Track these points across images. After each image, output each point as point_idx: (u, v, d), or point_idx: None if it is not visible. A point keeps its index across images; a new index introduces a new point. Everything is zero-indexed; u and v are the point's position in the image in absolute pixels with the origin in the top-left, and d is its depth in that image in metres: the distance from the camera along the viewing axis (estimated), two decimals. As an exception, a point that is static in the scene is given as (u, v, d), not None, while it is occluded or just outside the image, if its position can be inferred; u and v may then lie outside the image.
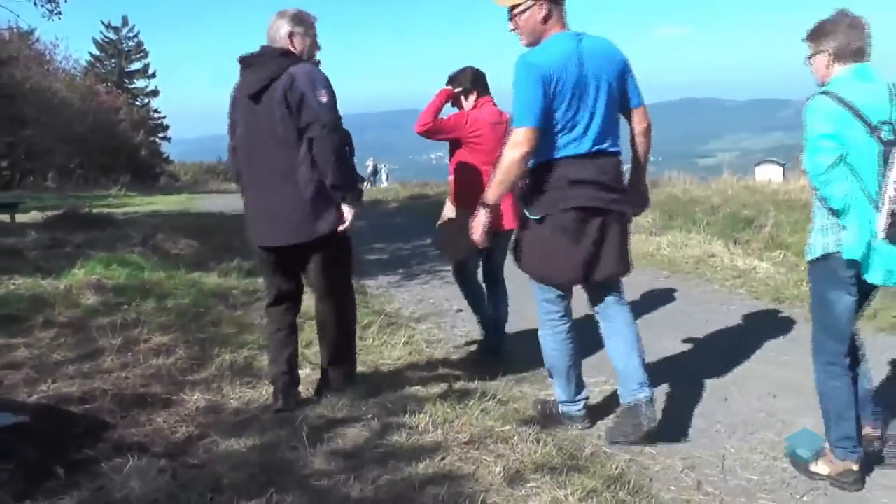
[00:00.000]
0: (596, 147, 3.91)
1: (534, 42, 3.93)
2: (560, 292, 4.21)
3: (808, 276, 3.85)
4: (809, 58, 3.58)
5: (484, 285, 5.69)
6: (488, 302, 5.66)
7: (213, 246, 10.35)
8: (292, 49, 4.21)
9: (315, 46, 4.36)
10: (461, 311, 6.08)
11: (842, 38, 3.44)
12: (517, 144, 3.79)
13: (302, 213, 4.14)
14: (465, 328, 6.27)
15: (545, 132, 3.82)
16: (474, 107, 5.41)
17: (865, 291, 3.62)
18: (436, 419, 4.14)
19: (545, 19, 3.88)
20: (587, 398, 4.43)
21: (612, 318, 4.28)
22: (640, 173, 4.32)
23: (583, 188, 3.90)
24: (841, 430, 3.62)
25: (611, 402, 4.70)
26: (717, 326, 6.48)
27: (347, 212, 4.20)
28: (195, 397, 4.56)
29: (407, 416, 4.21)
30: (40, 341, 5.58)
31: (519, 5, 3.88)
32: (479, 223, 4.02)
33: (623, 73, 4.01)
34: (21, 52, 32.26)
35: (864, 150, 3.31)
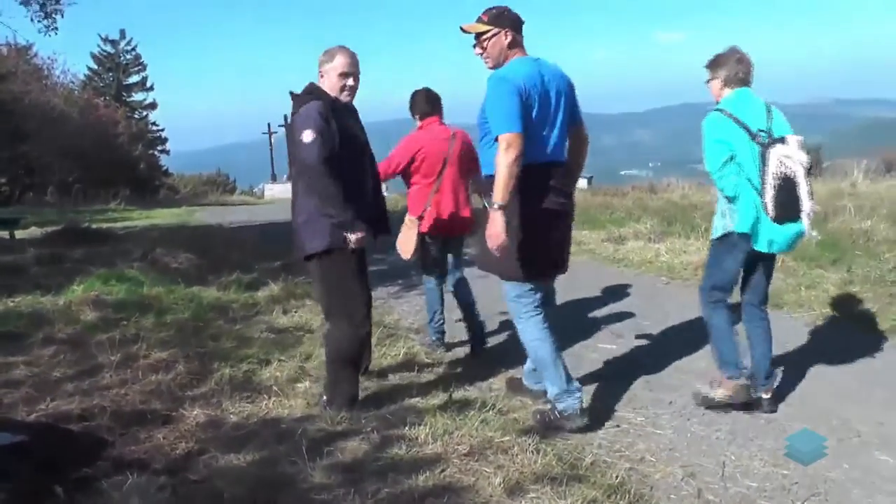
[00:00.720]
0: (554, 157, 4.35)
1: (498, 65, 4.36)
2: (531, 286, 4.46)
3: (710, 249, 4.87)
4: (708, 81, 4.72)
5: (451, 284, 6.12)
6: (459, 293, 6.07)
7: (212, 260, 10.34)
8: (313, 88, 4.51)
9: (337, 83, 4.50)
10: (460, 320, 6.07)
11: (731, 68, 4.58)
12: (507, 149, 4.04)
13: (297, 234, 4.54)
14: (465, 339, 6.27)
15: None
16: (420, 128, 5.88)
17: (756, 259, 4.69)
18: (435, 431, 4.14)
19: (510, 45, 4.35)
20: (581, 389, 4.52)
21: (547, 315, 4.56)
22: (574, 182, 4.72)
23: (550, 193, 4.33)
24: (727, 356, 4.70)
25: (615, 409, 4.72)
26: (717, 332, 6.47)
27: (352, 237, 4.38)
28: (195, 413, 4.55)
29: (407, 428, 4.21)
30: (39, 359, 5.57)
31: (487, 32, 4.34)
32: (497, 225, 4.12)
33: (572, 94, 4.47)
34: (19, 67, 32.32)
35: (747, 152, 4.39)
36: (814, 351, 5.89)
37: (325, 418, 4.37)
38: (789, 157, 4.30)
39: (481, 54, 4.41)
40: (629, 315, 7.21)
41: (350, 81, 4.51)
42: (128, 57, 51.97)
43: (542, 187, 4.29)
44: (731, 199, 4.52)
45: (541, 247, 4.34)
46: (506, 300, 4.55)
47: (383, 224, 4.81)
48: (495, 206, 4.10)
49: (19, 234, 13.88)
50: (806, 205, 4.34)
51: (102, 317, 6.63)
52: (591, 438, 4.32)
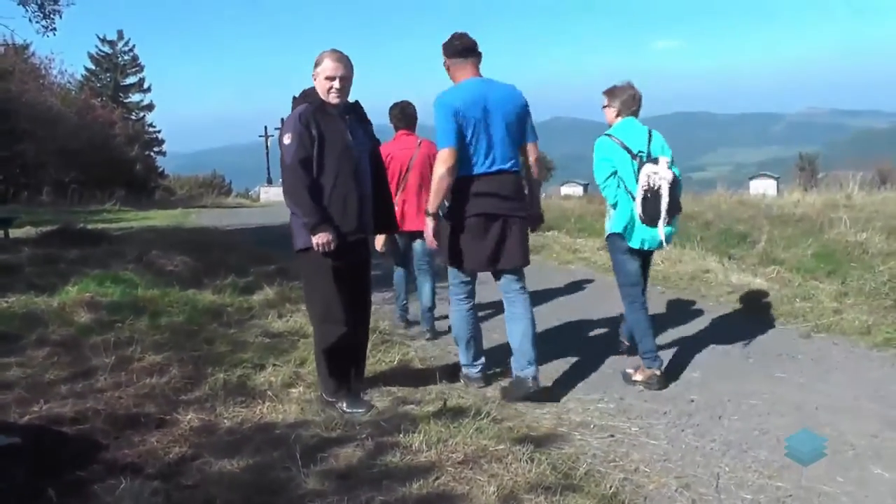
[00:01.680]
0: (497, 167, 5.04)
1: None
2: (466, 278, 5.32)
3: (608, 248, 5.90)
4: (604, 107, 5.70)
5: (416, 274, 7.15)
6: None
7: (207, 262, 10.31)
8: (308, 91, 4.77)
9: (324, 86, 4.70)
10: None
11: (626, 102, 5.57)
12: (441, 161, 4.96)
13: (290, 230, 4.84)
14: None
15: (461, 154, 4.95)
16: (393, 140, 6.87)
17: (642, 256, 5.66)
18: (430, 438, 4.13)
19: (457, 69, 5.14)
20: (483, 364, 5.49)
21: (514, 304, 5.25)
22: (535, 197, 5.50)
23: (485, 198, 5.02)
24: (645, 346, 5.50)
25: (610, 419, 4.72)
26: (712, 343, 6.48)
27: (318, 238, 4.57)
28: (189, 417, 4.54)
29: (401, 435, 4.20)
30: (33, 360, 5.55)
31: (445, 60, 5.20)
32: (428, 230, 5.13)
33: (522, 114, 5.19)
34: (16, 67, 32.26)
35: (627, 168, 5.37)
36: (808, 363, 5.89)
37: (320, 424, 4.36)
38: (657, 173, 5.25)
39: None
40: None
41: (336, 84, 4.66)
42: (125, 58, 51.97)
43: (475, 193, 5.02)
44: (613, 206, 5.53)
45: (470, 245, 5.08)
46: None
47: (383, 224, 5.17)
48: (427, 212, 5.08)
49: (14, 233, 13.84)
50: (664, 212, 5.27)
51: (97, 319, 6.61)
52: (585, 448, 4.32)
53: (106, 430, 4.31)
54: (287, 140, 4.60)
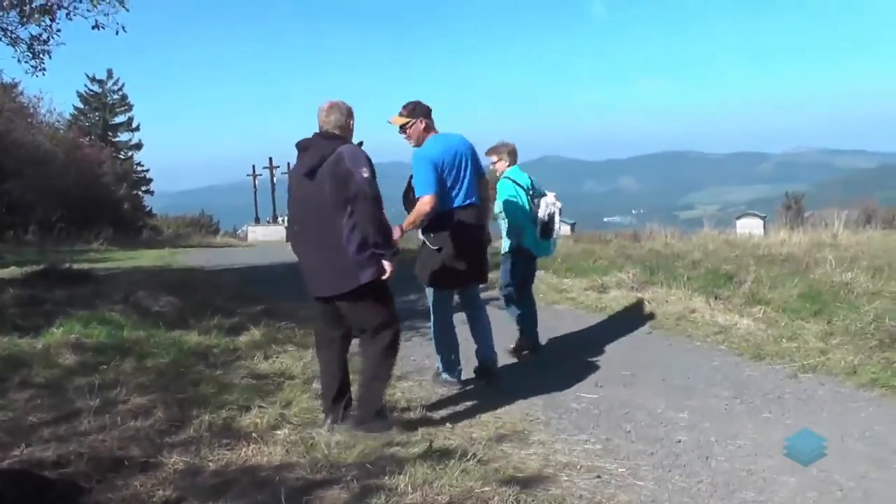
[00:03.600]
0: (467, 201, 6.18)
1: (418, 144, 6.12)
2: (446, 294, 6.39)
3: (501, 260, 7.54)
4: (494, 163, 7.53)
5: None
6: None
7: (193, 303, 10.27)
8: (339, 133, 5.14)
9: (352, 130, 5.29)
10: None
11: (511, 155, 7.50)
12: (425, 204, 5.93)
13: (346, 267, 4.98)
14: (446, 387, 6.26)
15: (441, 194, 5.96)
16: None
17: (529, 261, 7.59)
18: (415, 480, 4.11)
19: (425, 129, 6.15)
20: (461, 370, 6.48)
21: (476, 309, 6.53)
22: (487, 216, 6.86)
23: (463, 227, 6.12)
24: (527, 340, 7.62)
25: (597, 460, 4.71)
26: (699, 383, 6.49)
27: (387, 266, 5.02)
28: (173, 460, 4.49)
29: (386, 477, 4.18)
30: (15, 403, 5.50)
31: (407, 123, 6.13)
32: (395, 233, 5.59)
33: (475, 155, 6.36)
34: (4, 105, 32.24)
35: (525, 200, 7.31)
36: (794, 403, 5.90)
37: (305, 466, 4.34)
38: (553, 203, 7.30)
39: (406, 138, 6.17)
40: (611, 364, 7.22)
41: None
42: (114, 97, 52.02)
43: (457, 223, 6.09)
44: (515, 227, 7.33)
45: (453, 266, 6.11)
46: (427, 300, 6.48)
47: None
48: (402, 227, 5.89)
49: (-1, 273, 13.76)
50: (556, 231, 7.39)
51: (81, 361, 6.57)
52: (572, 489, 4.30)
53: (89, 474, 4.26)
54: (366, 173, 4.90)
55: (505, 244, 7.47)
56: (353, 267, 4.96)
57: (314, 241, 5.10)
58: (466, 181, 6.15)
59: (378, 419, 5.11)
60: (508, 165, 7.47)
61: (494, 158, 7.51)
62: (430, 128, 6.17)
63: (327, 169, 4.94)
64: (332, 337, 5.35)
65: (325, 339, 5.40)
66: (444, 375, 6.45)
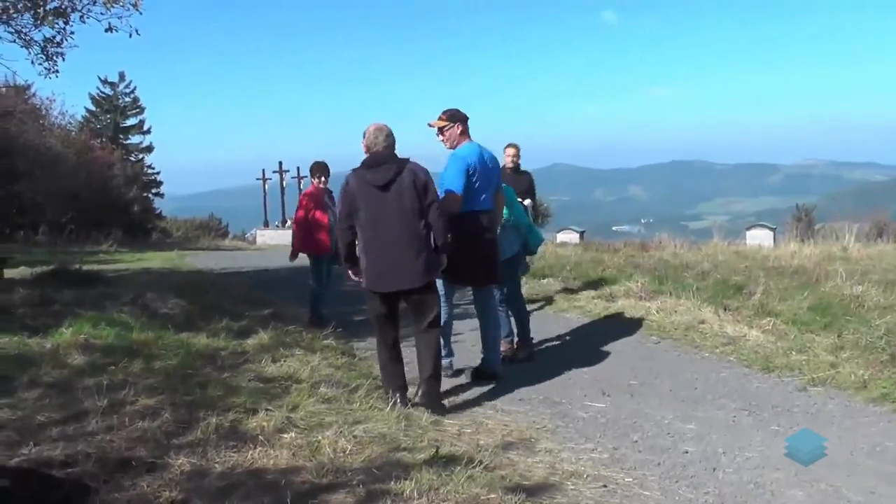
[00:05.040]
0: (487, 207, 6.78)
1: (453, 147, 6.78)
2: (451, 288, 6.93)
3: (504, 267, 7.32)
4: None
5: None
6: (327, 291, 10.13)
7: (202, 305, 10.28)
8: (392, 151, 6.04)
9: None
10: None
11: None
12: (454, 202, 6.47)
13: (427, 262, 5.99)
14: (454, 393, 6.26)
15: (466, 195, 6.53)
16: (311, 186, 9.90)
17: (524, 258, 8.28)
18: (421, 486, 4.09)
19: (461, 134, 6.81)
20: (451, 361, 7.06)
21: (485, 310, 7.06)
22: (498, 222, 7.15)
23: (482, 229, 6.70)
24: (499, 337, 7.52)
25: (604, 469, 4.69)
26: (707, 394, 6.47)
27: (444, 262, 6.21)
28: (180, 461, 4.48)
29: (392, 482, 4.16)
30: (24, 402, 5.51)
31: (445, 126, 6.80)
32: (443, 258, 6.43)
33: (499, 170, 7.11)
34: (17, 107, 32.37)
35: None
36: (803, 417, 5.87)
37: (311, 470, 4.33)
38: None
39: (442, 140, 6.83)
40: (618, 373, 7.20)
41: None
42: (126, 99, 52.15)
43: (473, 224, 6.61)
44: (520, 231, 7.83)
45: (472, 263, 6.62)
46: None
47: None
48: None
49: (8, 273, 13.79)
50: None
51: (90, 361, 6.57)
52: (578, 498, 4.29)
53: (96, 474, 4.26)
54: (434, 185, 6.04)
55: (510, 249, 7.59)
56: (432, 262, 6.03)
57: (398, 242, 5.90)
58: (490, 189, 6.79)
59: (442, 400, 6.16)
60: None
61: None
62: (465, 133, 6.82)
63: (406, 182, 5.84)
64: (395, 337, 6.27)
65: (388, 341, 6.22)
66: (444, 360, 6.77)
